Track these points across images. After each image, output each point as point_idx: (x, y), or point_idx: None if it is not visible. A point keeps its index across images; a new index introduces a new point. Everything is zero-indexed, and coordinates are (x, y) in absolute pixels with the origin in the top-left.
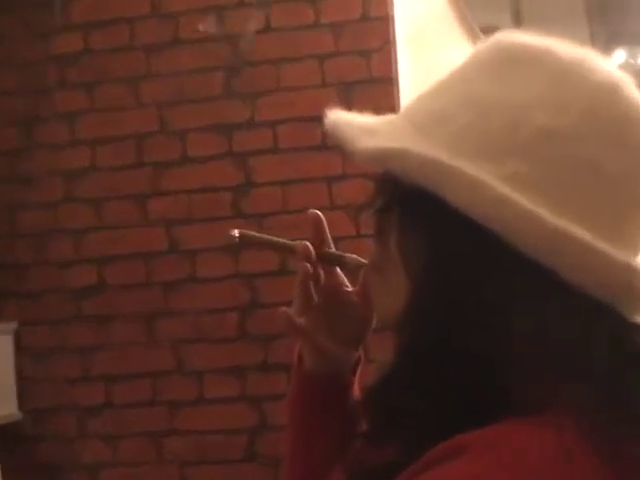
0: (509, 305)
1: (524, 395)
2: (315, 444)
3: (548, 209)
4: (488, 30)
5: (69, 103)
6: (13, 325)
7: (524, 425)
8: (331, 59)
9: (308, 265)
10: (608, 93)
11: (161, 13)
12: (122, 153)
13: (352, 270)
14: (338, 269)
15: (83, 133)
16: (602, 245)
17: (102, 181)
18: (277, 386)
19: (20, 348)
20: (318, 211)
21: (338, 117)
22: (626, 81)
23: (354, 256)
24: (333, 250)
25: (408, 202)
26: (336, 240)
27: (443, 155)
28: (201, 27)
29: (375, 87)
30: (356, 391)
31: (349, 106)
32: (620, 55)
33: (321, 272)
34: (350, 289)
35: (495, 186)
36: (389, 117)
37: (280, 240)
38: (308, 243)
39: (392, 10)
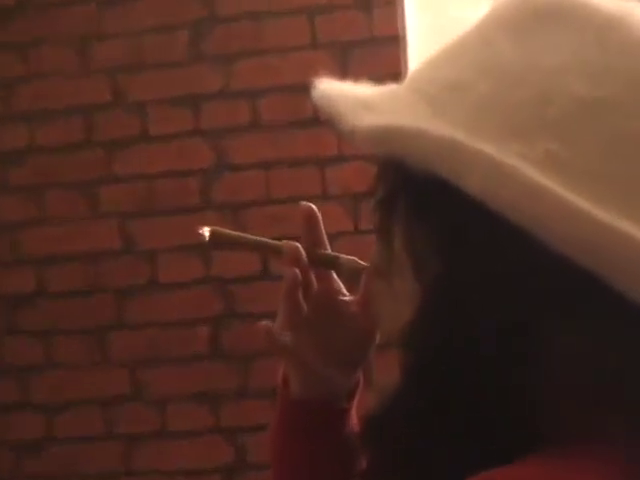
0: (545, 320)
1: (557, 425)
2: None
3: (591, 200)
4: None
5: (0, 69)
6: None
7: (572, 461)
8: (324, 14)
9: (297, 270)
10: None
11: None
12: (66, 131)
13: (350, 275)
14: (334, 274)
15: (18, 106)
16: None
17: (42, 165)
18: (258, 416)
19: None
20: (310, 203)
21: (331, 87)
22: None
23: (353, 258)
24: (328, 251)
25: (417, 192)
26: (330, 237)
27: (460, 134)
28: None
29: (378, 49)
30: (354, 422)
31: (345, 72)
32: None
33: (313, 278)
34: (348, 298)
35: (525, 171)
36: (393, 87)
37: (262, 239)
38: (297, 244)
39: None
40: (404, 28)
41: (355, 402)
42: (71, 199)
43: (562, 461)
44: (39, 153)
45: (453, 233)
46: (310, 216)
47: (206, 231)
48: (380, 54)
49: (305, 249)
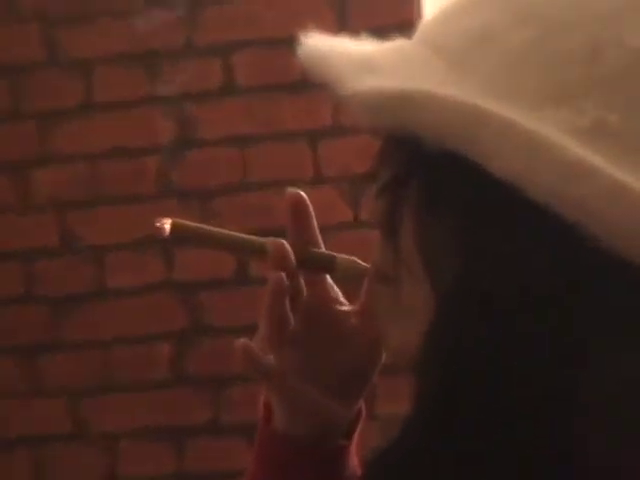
0: (594, 339)
1: (596, 461)
2: None
3: None
4: None
5: None
6: None
7: None
8: None
9: (283, 273)
10: None
11: None
12: None
13: (349, 279)
14: (328, 278)
15: None
16: None
17: None
18: (233, 457)
19: None
20: (298, 190)
21: (324, 42)
22: None
23: (352, 258)
24: (322, 250)
25: (432, 174)
26: (324, 230)
27: (486, 100)
28: None
29: None
30: (354, 463)
31: (342, 23)
32: None
33: (302, 283)
34: (347, 308)
35: (569, 146)
36: (401, 43)
37: (238, 235)
38: (283, 241)
39: None
40: None
41: (355, 438)
42: None
43: None
44: None
45: (477, 225)
46: (298, 206)
47: (166, 224)
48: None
49: (293, 247)
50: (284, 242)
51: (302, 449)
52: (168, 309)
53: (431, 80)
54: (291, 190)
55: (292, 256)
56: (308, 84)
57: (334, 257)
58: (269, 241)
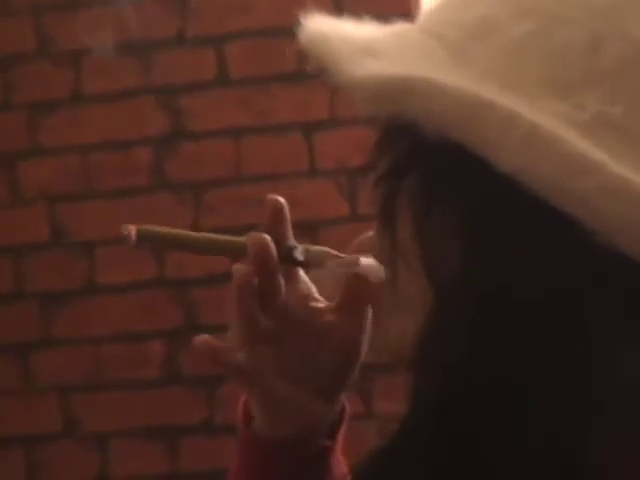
0: (596, 337)
1: (601, 460)
2: None
3: None
4: None
5: None
6: None
7: None
8: None
9: (249, 269)
10: None
11: None
12: None
13: (319, 270)
14: (302, 273)
15: None
16: None
17: None
18: (228, 456)
19: None
20: (278, 197)
21: (322, 27)
22: None
23: (324, 249)
24: (292, 242)
25: (432, 164)
26: (321, 224)
27: (488, 89)
28: None
29: None
30: (340, 464)
31: (340, 8)
32: None
33: (281, 280)
34: (322, 304)
35: (571, 139)
36: (403, 28)
37: (215, 236)
38: (264, 235)
39: None
40: None
41: (340, 438)
42: None
43: None
44: None
45: (478, 218)
46: (277, 209)
47: (131, 230)
48: None
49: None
50: (264, 236)
51: (283, 450)
52: (160, 306)
53: (433, 68)
54: (271, 196)
55: (274, 251)
56: (303, 75)
57: (307, 249)
58: (249, 237)
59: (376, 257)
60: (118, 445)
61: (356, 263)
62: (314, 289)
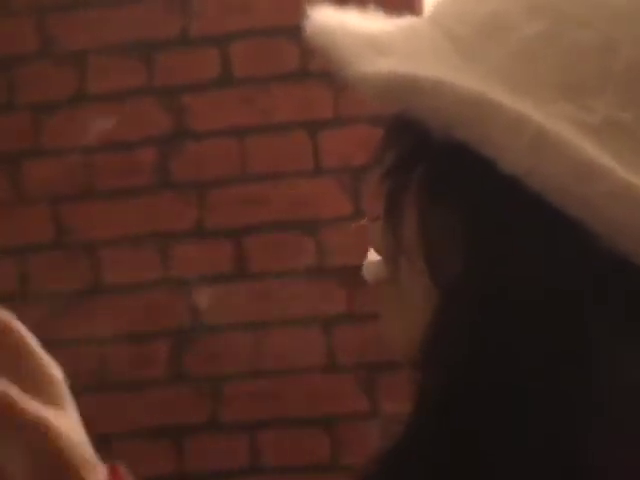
0: (597, 339)
1: (601, 461)
2: None
3: None
4: None
5: None
6: None
7: None
8: None
9: None
10: None
11: None
12: None
13: None
14: None
15: None
16: None
17: None
18: (234, 455)
19: None
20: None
21: (329, 21)
22: None
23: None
24: None
25: (438, 163)
26: (325, 223)
27: (496, 90)
28: None
29: None
30: None
31: (345, 3)
32: None
33: None
34: None
35: (579, 144)
36: (412, 22)
37: None
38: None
39: None
40: None
41: None
42: None
43: None
44: None
45: (478, 217)
46: None
47: None
48: None
49: None
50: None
51: None
52: (166, 305)
53: (442, 66)
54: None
55: None
56: (307, 74)
57: None
58: None
59: (380, 253)
60: (123, 445)
61: None
62: None
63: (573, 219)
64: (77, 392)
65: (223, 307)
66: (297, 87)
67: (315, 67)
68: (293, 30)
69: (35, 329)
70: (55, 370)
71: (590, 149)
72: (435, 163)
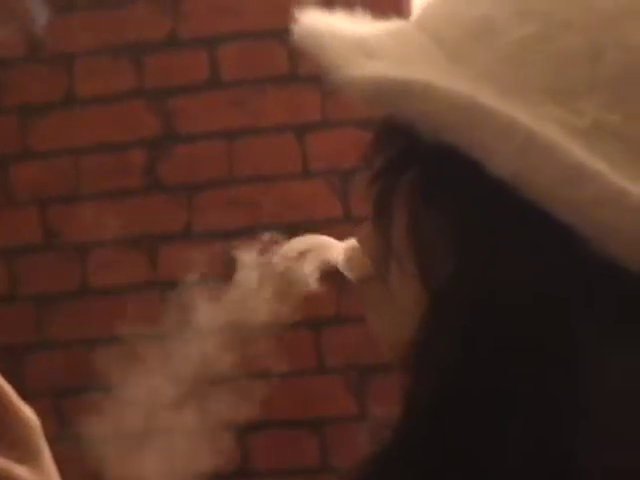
0: (589, 342)
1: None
2: None
3: None
4: None
5: None
6: None
7: None
8: None
9: None
10: None
11: None
12: None
13: None
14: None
15: None
16: None
17: None
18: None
19: None
20: None
21: (318, 25)
22: None
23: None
24: None
25: (428, 166)
26: (314, 225)
27: (484, 93)
28: None
29: None
30: None
31: (332, 3)
32: None
33: None
34: None
35: (568, 147)
36: (400, 25)
37: None
38: None
39: None
40: None
41: None
42: None
43: None
44: None
45: (467, 221)
46: None
47: None
48: None
49: None
50: None
51: None
52: (154, 308)
53: (431, 70)
54: None
55: None
56: (295, 77)
57: None
58: None
59: (369, 256)
60: (116, 452)
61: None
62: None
63: (562, 223)
64: (64, 394)
65: None
66: (285, 90)
67: (304, 70)
68: (282, 33)
69: (26, 333)
70: (31, 419)
71: (579, 152)
72: (426, 166)
